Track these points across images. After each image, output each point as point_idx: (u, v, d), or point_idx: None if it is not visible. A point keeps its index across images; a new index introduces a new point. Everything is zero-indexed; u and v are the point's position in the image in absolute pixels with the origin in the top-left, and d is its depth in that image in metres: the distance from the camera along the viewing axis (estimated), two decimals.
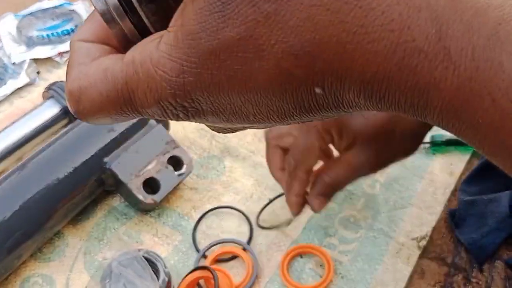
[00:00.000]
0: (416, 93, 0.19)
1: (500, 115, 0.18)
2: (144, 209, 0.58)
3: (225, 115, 0.21)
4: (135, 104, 0.21)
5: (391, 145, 0.49)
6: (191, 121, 0.22)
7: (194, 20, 0.20)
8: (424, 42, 0.18)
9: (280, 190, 0.60)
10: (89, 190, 0.56)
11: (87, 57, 0.23)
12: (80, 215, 0.58)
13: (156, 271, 0.49)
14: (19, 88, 0.73)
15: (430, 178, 0.62)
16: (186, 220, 0.58)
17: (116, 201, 0.60)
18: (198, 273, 0.50)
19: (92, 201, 0.58)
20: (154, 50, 0.21)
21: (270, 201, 0.59)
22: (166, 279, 0.48)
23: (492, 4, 0.19)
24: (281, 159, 0.53)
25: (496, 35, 0.18)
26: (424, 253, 0.56)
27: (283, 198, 0.53)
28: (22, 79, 0.73)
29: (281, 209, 0.59)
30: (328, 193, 0.50)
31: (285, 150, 0.53)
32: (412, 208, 0.59)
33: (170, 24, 0.21)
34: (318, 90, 0.20)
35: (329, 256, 0.54)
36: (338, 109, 0.21)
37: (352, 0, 0.18)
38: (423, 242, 0.56)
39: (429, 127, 0.52)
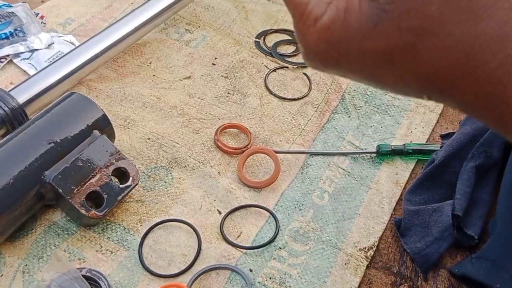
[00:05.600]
0: None
1: None
2: (87, 224, 0.56)
3: None
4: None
5: None
6: None
7: None
8: None
9: (230, 201, 0.60)
10: (27, 205, 0.53)
11: None
12: (18, 232, 0.55)
13: None
14: None
15: (376, 188, 0.63)
16: (131, 235, 0.56)
17: (57, 216, 0.57)
18: None
19: (31, 216, 0.56)
20: None
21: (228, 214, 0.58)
22: None
23: None
24: None
25: None
26: (372, 263, 0.57)
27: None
28: None
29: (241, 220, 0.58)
30: None
31: None
32: (360, 218, 0.60)
33: None
34: None
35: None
36: None
37: None
38: (371, 252, 0.57)
39: None
